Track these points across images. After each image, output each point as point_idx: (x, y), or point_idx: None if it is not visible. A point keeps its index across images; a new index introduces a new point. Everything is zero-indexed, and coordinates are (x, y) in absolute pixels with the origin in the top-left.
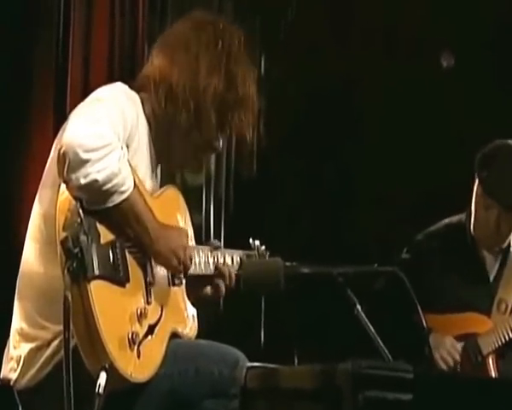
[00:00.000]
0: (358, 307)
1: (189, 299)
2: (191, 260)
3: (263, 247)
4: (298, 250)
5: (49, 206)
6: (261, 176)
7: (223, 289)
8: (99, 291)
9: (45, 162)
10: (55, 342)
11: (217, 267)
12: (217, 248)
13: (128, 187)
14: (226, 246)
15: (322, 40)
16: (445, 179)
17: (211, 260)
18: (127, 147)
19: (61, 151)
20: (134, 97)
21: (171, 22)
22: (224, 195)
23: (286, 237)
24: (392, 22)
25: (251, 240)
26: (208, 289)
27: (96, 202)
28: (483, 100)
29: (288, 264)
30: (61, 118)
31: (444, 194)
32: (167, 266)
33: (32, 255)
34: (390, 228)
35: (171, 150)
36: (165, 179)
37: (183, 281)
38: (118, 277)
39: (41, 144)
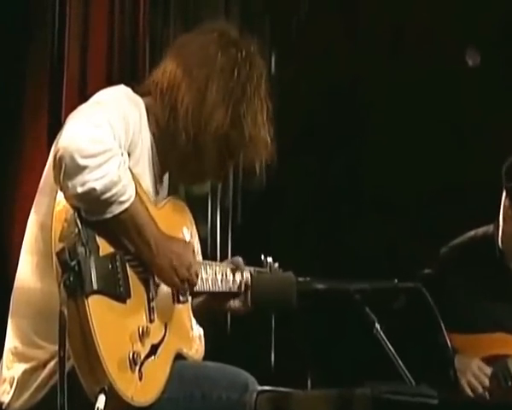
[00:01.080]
0: (377, 326)
1: (196, 317)
2: (197, 276)
3: (276, 264)
4: (309, 265)
5: (46, 215)
6: (270, 185)
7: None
8: (97, 307)
9: (38, 166)
10: (52, 363)
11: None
12: (238, 266)
13: (128, 196)
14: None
15: (335, 39)
16: (460, 187)
17: (219, 277)
18: (129, 154)
19: (57, 156)
20: (137, 101)
21: (174, 19)
22: (231, 205)
23: (296, 250)
24: (401, 21)
25: (262, 257)
26: (231, 303)
27: (93, 212)
28: (501, 100)
29: (300, 279)
30: (55, 120)
31: (461, 203)
32: (170, 283)
33: (27, 269)
34: (405, 241)
35: (173, 165)
36: (170, 188)
37: (189, 298)
38: (118, 292)
39: (34, 147)
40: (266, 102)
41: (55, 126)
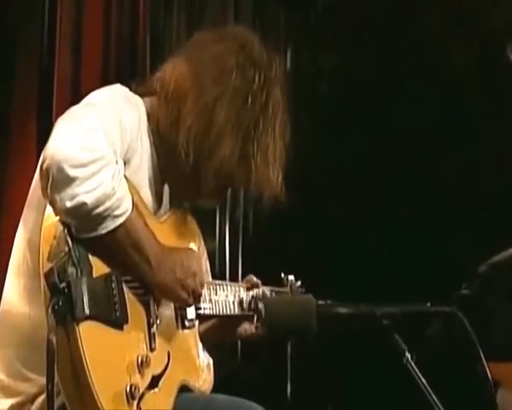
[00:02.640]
0: (408, 355)
1: (204, 344)
2: (203, 286)
3: (298, 283)
4: (331, 285)
5: (34, 231)
6: (286, 192)
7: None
8: (90, 335)
9: (26, 175)
10: (41, 399)
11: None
12: (254, 285)
13: (124, 210)
14: (244, 277)
15: (354, 30)
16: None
17: (231, 298)
18: (127, 161)
19: (44, 165)
20: (137, 102)
21: (177, 11)
22: (241, 216)
23: (317, 267)
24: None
25: (282, 275)
26: (243, 328)
27: (85, 228)
28: None
29: (321, 302)
30: (45, 125)
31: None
32: (173, 298)
33: (14, 292)
34: (439, 260)
35: (171, 178)
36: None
37: (196, 323)
38: (113, 317)
39: (22, 155)
40: (281, 137)
41: (45, 132)
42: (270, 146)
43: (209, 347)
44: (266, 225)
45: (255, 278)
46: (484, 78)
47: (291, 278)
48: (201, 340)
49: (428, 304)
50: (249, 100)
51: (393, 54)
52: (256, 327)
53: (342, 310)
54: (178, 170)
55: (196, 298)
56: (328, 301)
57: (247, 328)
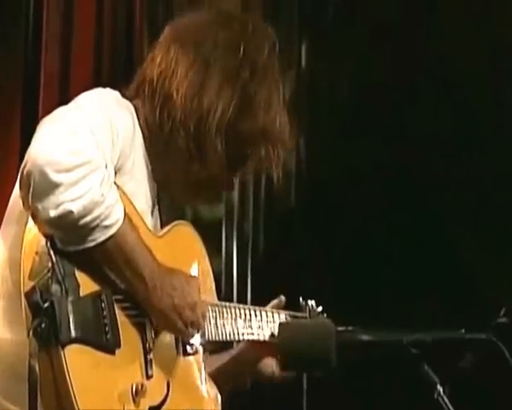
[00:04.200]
0: (440, 388)
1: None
2: (204, 318)
3: (319, 308)
4: (351, 309)
5: (14, 246)
6: (299, 204)
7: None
8: (77, 360)
9: (8, 183)
10: None
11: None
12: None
13: (115, 220)
14: (253, 300)
15: (374, 27)
16: None
17: (240, 323)
18: (119, 168)
19: (25, 170)
20: (128, 105)
21: (179, 5)
22: (251, 230)
23: (335, 289)
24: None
25: (301, 299)
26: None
27: (71, 240)
28: None
29: (341, 329)
30: (29, 127)
31: None
32: (171, 328)
33: None
34: (474, 284)
35: (170, 180)
36: (173, 211)
37: (200, 350)
38: (103, 341)
39: (2, 160)
40: (280, 84)
41: (30, 136)
42: (273, 89)
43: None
44: (278, 241)
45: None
46: (497, 88)
47: (311, 302)
48: (213, 380)
49: (462, 331)
50: (241, 49)
51: (409, 61)
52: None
53: (365, 337)
54: (178, 163)
55: (198, 330)
56: (349, 327)
57: (268, 365)
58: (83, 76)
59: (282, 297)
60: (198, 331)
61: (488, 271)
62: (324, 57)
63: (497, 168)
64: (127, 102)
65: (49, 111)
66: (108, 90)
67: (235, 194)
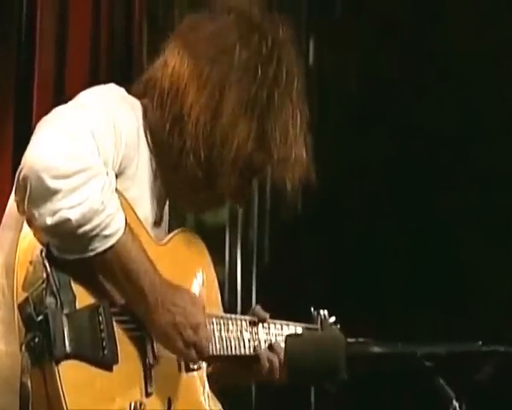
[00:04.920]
0: (455, 403)
1: (212, 388)
2: (208, 341)
3: (331, 319)
4: (363, 319)
5: (10, 254)
6: (307, 209)
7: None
8: (72, 377)
9: (1, 190)
10: None
11: (255, 350)
12: (262, 320)
13: (115, 230)
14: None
15: (384, 22)
16: None
17: (246, 336)
18: (121, 172)
19: (21, 175)
20: (134, 104)
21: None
22: (255, 237)
23: (344, 298)
24: None
25: (313, 309)
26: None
27: (69, 249)
28: None
29: (351, 340)
30: (23, 131)
31: None
32: (171, 347)
33: None
34: (489, 294)
35: (177, 189)
36: (174, 217)
37: (203, 365)
38: (100, 356)
39: None
40: (300, 107)
41: (24, 140)
42: (290, 117)
43: (218, 389)
44: (285, 248)
45: (262, 311)
46: (504, 83)
47: (323, 313)
48: (209, 382)
49: (480, 343)
50: (259, 71)
51: (417, 55)
52: (269, 370)
53: (376, 349)
54: (186, 180)
55: (201, 354)
56: (360, 339)
57: (265, 367)
58: (79, 76)
59: (259, 308)
60: (200, 356)
61: (496, 278)
62: (332, 52)
63: (504, 163)
64: (134, 100)
65: (43, 113)
66: (113, 86)
67: None
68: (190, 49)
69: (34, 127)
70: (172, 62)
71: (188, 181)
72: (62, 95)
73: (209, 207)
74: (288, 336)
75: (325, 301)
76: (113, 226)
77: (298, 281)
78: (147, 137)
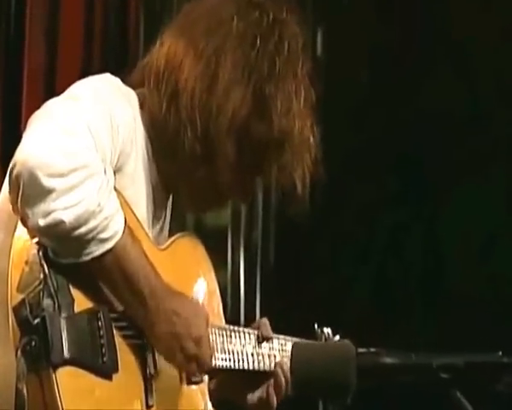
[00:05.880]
0: None
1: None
2: (211, 356)
3: (336, 337)
4: (374, 329)
5: (2, 255)
6: (314, 209)
7: (273, 399)
8: (70, 384)
9: None
10: None
11: (258, 365)
12: (266, 338)
13: (113, 232)
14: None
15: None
16: None
17: (249, 350)
18: (119, 169)
19: (14, 172)
20: (130, 95)
21: None
22: (260, 239)
23: (355, 306)
24: None
25: (316, 326)
26: (254, 395)
27: (63, 252)
28: None
29: (361, 350)
30: (11, 126)
31: None
32: (168, 357)
33: None
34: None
35: (176, 181)
36: (174, 218)
37: (205, 378)
38: (99, 363)
39: None
40: (305, 86)
41: (12, 136)
42: (293, 91)
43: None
44: (291, 251)
45: (267, 328)
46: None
47: (327, 330)
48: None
49: (500, 353)
50: (258, 41)
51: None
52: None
53: (389, 360)
54: (184, 165)
55: (202, 369)
56: (371, 349)
57: (261, 390)
58: (71, 70)
59: (265, 322)
60: (201, 370)
61: None
62: (340, 43)
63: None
64: (129, 91)
65: (33, 109)
66: (107, 76)
67: None
68: (187, 24)
69: (23, 123)
70: (167, 44)
71: (187, 167)
72: (53, 90)
73: (210, 205)
74: (295, 344)
75: (331, 305)
76: (110, 229)
77: (305, 286)
78: (144, 129)
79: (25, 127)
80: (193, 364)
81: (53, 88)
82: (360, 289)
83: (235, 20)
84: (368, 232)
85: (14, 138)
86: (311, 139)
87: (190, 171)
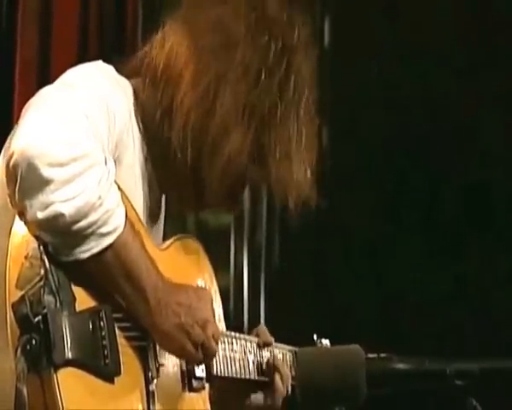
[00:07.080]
0: None
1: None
2: (217, 341)
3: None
4: (384, 333)
5: None
6: (323, 210)
7: (278, 402)
8: (72, 386)
9: None
10: None
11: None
12: (267, 344)
13: (113, 227)
14: (268, 323)
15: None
16: None
17: (250, 357)
18: (117, 161)
19: (11, 162)
20: (124, 84)
21: None
22: (264, 240)
23: (363, 310)
24: None
25: (315, 337)
26: (255, 399)
27: (62, 247)
28: None
29: (371, 356)
30: (3, 118)
31: None
32: (176, 350)
33: None
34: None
35: (168, 185)
36: (174, 218)
37: (206, 385)
38: (102, 365)
39: None
40: (308, 123)
41: (4, 127)
42: (294, 135)
43: None
44: (296, 253)
45: (268, 334)
46: None
47: (325, 342)
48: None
49: None
50: (263, 76)
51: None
52: (271, 396)
53: (400, 366)
54: (176, 173)
55: (208, 355)
56: (382, 354)
57: (263, 397)
58: (65, 62)
59: (264, 329)
60: (211, 356)
61: None
62: (348, 33)
63: None
64: (124, 81)
65: (25, 103)
66: (101, 64)
67: (246, 197)
68: (191, 29)
69: (16, 114)
70: (170, 40)
71: (174, 180)
72: (47, 79)
73: (196, 210)
74: (300, 351)
75: (336, 308)
76: (110, 224)
77: (310, 289)
78: (138, 122)
79: (17, 121)
80: (200, 351)
81: (46, 83)
82: (367, 292)
83: (241, 45)
84: (375, 237)
85: (6, 131)
86: (308, 177)
87: (178, 184)
